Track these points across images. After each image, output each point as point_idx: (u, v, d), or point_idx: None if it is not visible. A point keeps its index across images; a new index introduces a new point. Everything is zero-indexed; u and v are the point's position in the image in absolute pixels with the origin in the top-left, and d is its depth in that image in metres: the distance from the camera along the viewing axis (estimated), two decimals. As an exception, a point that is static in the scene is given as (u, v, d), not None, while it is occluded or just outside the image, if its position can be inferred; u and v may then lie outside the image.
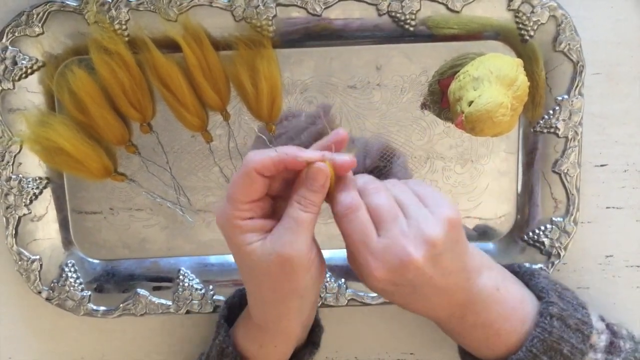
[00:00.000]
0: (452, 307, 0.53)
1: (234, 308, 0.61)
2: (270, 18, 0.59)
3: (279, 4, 0.58)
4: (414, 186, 0.53)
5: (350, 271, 0.64)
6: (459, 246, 0.51)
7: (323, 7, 0.59)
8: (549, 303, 0.54)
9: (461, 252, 0.51)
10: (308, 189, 0.50)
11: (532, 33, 0.60)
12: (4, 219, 0.61)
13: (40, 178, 0.62)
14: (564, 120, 0.61)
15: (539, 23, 0.59)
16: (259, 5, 0.58)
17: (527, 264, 0.62)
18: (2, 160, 0.60)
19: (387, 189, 0.52)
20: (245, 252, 0.50)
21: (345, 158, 0.50)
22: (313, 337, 0.60)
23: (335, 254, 0.64)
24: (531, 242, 0.64)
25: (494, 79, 0.54)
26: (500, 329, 0.54)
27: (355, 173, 0.52)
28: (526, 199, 0.64)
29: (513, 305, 0.54)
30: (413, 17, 0.59)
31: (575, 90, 0.60)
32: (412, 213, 0.50)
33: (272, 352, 0.56)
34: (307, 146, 0.53)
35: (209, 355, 0.58)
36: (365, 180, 0.52)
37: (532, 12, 0.59)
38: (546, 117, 0.61)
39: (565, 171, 0.62)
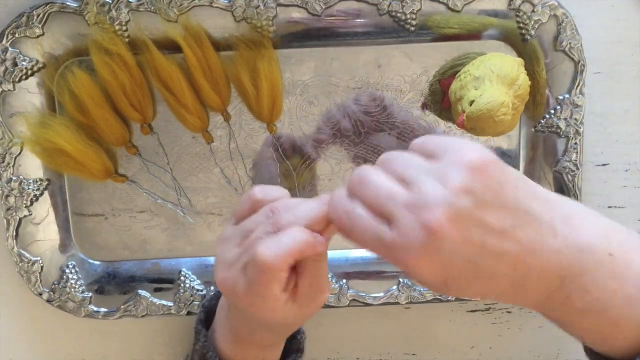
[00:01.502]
0: (543, 283, 0.38)
1: (212, 312, 0.59)
2: (271, 18, 0.59)
3: (279, 4, 0.58)
4: (421, 145, 0.40)
5: (350, 272, 0.65)
6: (505, 192, 0.37)
7: (323, 7, 0.59)
8: None
9: (516, 195, 0.37)
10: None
11: (532, 32, 0.59)
12: (5, 220, 0.61)
13: (40, 179, 0.62)
14: (565, 119, 0.61)
15: (540, 22, 0.59)
16: (259, 6, 0.58)
17: None
18: (3, 162, 0.60)
19: (378, 172, 0.40)
20: (270, 308, 0.46)
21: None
22: (295, 344, 0.58)
23: (336, 254, 0.64)
24: (533, 241, 0.64)
25: (495, 78, 0.54)
26: (619, 316, 0.39)
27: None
28: (527, 199, 0.64)
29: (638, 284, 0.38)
30: (414, 16, 0.59)
31: (576, 89, 0.60)
32: (414, 178, 0.37)
33: (252, 355, 0.55)
34: None
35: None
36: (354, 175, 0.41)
37: (533, 11, 0.59)
38: (547, 116, 0.61)
39: (567, 170, 0.62)
